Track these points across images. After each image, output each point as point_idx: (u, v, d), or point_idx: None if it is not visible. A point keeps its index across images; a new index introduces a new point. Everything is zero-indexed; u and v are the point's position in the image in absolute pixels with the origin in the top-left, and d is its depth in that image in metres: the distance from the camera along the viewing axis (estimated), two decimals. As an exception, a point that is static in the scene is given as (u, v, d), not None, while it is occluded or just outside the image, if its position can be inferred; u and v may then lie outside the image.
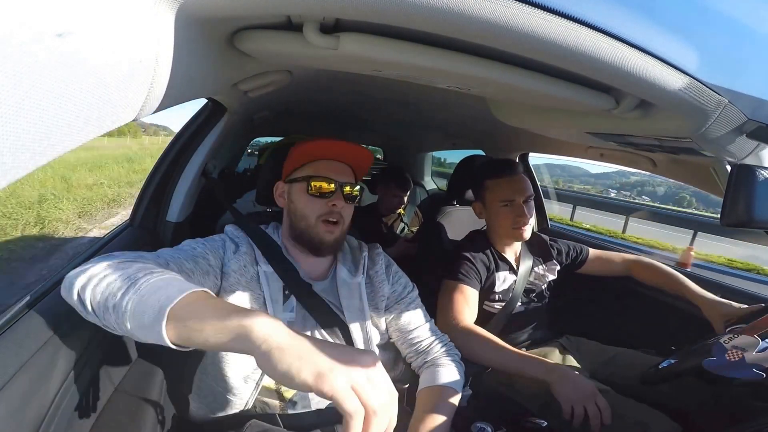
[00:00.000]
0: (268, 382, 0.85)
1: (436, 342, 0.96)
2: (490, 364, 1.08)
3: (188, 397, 0.90)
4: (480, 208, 1.34)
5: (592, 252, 1.45)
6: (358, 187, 0.93)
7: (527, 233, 1.25)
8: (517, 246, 1.35)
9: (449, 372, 0.90)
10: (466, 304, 1.17)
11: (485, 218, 1.34)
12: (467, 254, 1.25)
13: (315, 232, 0.88)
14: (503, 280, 1.28)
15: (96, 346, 0.78)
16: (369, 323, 0.90)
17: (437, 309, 1.20)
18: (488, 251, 1.29)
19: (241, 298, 0.82)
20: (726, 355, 0.77)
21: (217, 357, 0.84)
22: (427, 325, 0.98)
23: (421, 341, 0.95)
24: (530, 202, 1.26)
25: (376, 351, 0.91)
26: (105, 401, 0.78)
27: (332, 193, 0.88)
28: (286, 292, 0.88)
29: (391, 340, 0.96)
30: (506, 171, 1.26)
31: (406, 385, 1.02)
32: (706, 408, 0.91)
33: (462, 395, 1.10)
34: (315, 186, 0.88)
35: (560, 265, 1.41)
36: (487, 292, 1.26)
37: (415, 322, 0.96)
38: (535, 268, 1.36)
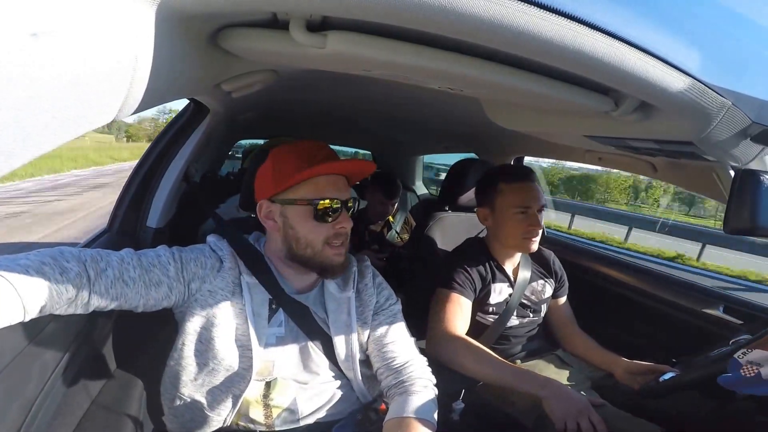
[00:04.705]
0: (252, 394, 0.81)
1: (411, 364, 0.88)
2: (479, 377, 1.05)
3: (164, 415, 0.87)
4: (487, 214, 1.26)
5: (564, 299, 1.38)
6: (354, 202, 0.88)
7: (536, 245, 1.20)
8: (517, 258, 1.30)
9: (423, 400, 0.81)
10: (459, 314, 1.13)
11: (490, 225, 1.27)
12: (463, 263, 1.21)
13: (324, 256, 0.82)
14: (499, 292, 1.24)
15: (72, 356, 0.76)
16: (354, 337, 0.87)
17: (429, 317, 1.16)
18: (486, 260, 1.25)
19: (222, 311, 0.79)
20: (741, 371, 0.74)
21: (189, 368, 0.80)
22: (406, 342, 0.92)
23: (395, 357, 0.88)
24: (542, 212, 1.21)
25: (358, 366, 0.87)
26: (81, 415, 0.76)
27: (338, 215, 0.82)
28: (273, 306, 0.84)
29: (367, 352, 0.91)
30: (525, 177, 1.21)
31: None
32: (707, 422, 0.88)
33: (455, 409, 1.07)
34: (323, 210, 0.80)
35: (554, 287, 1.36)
36: (480, 303, 1.22)
37: (393, 335, 0.90)
38: (533, 283, 1.30)
